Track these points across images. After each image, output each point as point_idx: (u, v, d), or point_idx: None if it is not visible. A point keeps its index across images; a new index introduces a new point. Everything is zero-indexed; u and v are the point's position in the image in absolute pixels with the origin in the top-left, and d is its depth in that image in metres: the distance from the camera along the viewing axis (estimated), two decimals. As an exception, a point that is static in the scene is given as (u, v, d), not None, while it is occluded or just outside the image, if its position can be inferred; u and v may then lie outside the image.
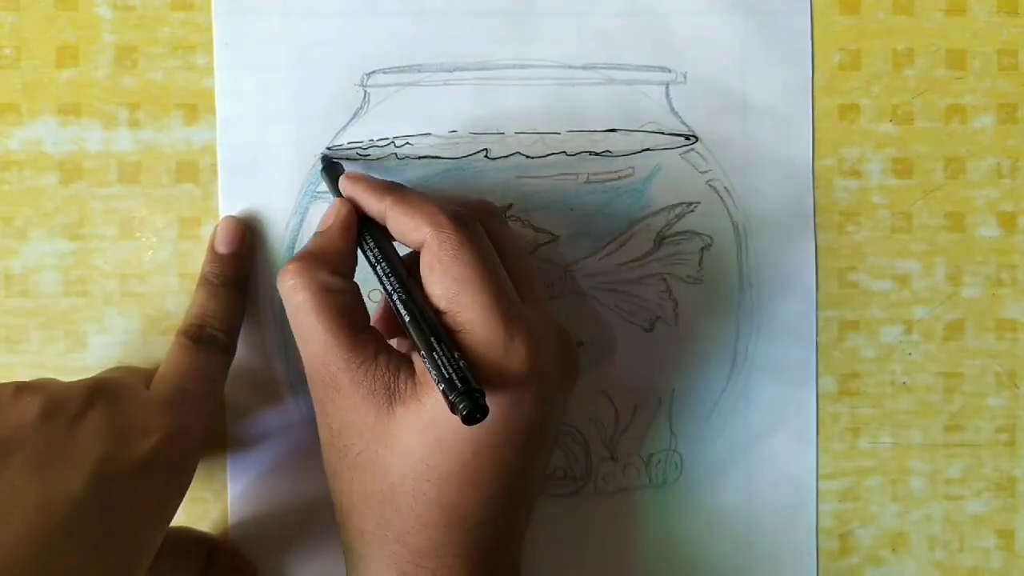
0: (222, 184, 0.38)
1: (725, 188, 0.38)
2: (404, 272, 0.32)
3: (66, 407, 0.31)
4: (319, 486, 0.38)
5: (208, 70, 0.38)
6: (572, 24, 0.38)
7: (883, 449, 0.39)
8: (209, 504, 0.38)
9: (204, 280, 0.36)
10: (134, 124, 0.38)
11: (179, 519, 0.33)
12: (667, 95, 0.38)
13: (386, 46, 0.38)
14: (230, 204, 0.38)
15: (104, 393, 0.32)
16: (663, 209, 0.38)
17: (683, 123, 0.38)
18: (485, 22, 0.38)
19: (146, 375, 0.34)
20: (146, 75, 0.38)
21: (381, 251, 0.33)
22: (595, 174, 0.38)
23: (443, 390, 0.28)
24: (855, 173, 0.39)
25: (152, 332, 0.38)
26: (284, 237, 0.38)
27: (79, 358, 0.38)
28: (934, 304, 0.39)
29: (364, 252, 0.33)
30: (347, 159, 0.38)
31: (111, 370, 0.36)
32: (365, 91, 0.38)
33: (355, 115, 0.38)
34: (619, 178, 0.38)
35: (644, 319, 0.39)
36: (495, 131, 0.38)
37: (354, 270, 0.34)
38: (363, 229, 0.34)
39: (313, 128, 0.38)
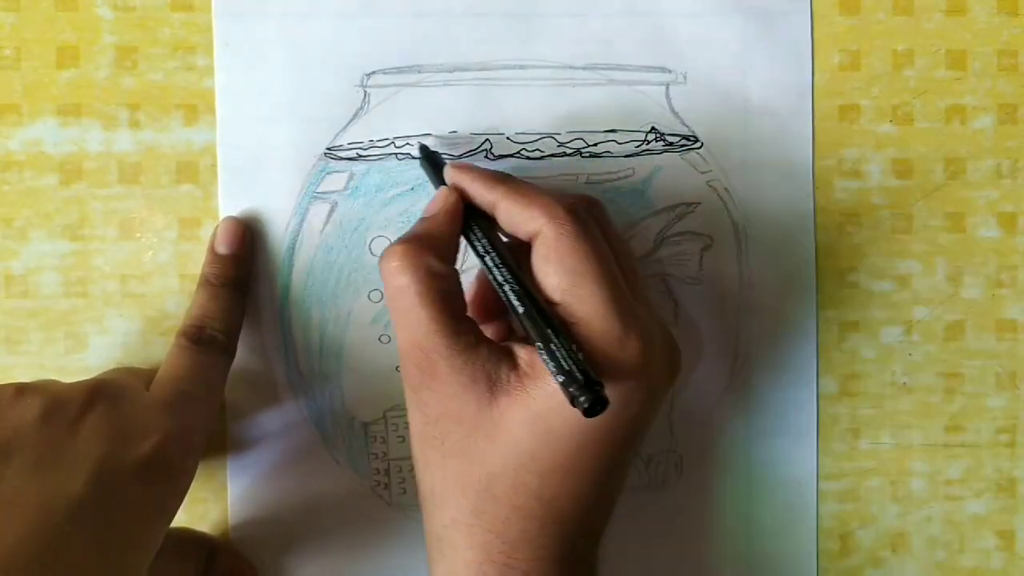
0: (222, 185, 0.38)
1: (725, 189, 0.38)
2: (514, 263, 0.32)
3: (66, 408, 0.31)
4: (319, 486, 0.38)
5: (208, 71, 0.38)
6: (572, 24, 0.38)
7: (883, 450, 0.39)
8: (209, 504, 0.38)
9: (204, 281, 0.36)
10: (134, 125, 0.38)
11: (179, 519, 0.33)
12: (667, 95, 0.38)
13: (386, 46, 0.38)
14: (230, 205, 0.38)
15: (104, 394, 0.32)
16: (663, 210, 0.38)
17: (683, 124, 0.38)
18: (485, 22, 0.38)
19: (146, 376, 0.34)
20: (146, 76, 0.38)
21: (489, 241, 0.32)
22: (595, 174, 0.38)
23: (562, 382, 0.28)
24: (855, 174, 0.39)
25: (152, 333, 0.38)
26: (284, 237, 0.38)
27: (79, 359, 0.38)
28: (934, 304, 0.39)
29: (471, 241, 0.33)
30: (349, 159, 0.38)
31: (111, 371, 0.36)
32: (365, 91, 0.38)
33: (355, 115, 0.38)
34: (619, 179, 0.38)
35: (644, 319, 0.39)
36: (495, 131, 0.38)
37: (456, 258, 0.33)
38: (468, 218, 0.33)
39: (313, 128, 0.38)
